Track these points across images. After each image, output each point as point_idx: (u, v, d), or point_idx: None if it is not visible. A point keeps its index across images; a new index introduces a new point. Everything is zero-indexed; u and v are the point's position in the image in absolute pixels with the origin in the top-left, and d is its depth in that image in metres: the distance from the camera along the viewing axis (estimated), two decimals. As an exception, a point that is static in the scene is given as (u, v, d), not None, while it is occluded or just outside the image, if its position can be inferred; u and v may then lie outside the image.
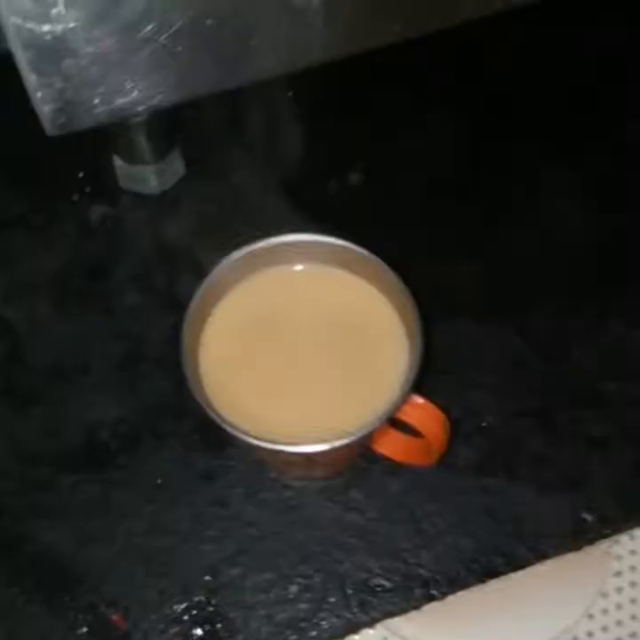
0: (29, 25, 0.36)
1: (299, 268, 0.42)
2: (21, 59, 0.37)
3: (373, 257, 0.40)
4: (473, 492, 0.44)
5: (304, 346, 0.40)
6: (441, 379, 0.45)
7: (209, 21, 0.40)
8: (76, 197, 0.52)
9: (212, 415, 0.37)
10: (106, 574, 0.41)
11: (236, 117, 0.54)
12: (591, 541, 0.43)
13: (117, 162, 0.51)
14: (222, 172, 0.53)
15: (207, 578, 0.41)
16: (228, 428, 0.36)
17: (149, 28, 0.38)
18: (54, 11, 0.36)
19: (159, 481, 0.44)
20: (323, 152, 0.55)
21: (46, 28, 0.36)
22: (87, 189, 0.52)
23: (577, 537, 0.43)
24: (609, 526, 0.43)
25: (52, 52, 0.37)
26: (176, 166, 0.52)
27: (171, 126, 0.50)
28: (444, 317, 0.47)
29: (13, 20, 0.35)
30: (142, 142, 0.48)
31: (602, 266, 0.50)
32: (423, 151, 0.54)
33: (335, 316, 0.40)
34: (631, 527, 0.43)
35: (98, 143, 0.49)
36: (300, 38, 0.42)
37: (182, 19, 0.39)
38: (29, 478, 0.44)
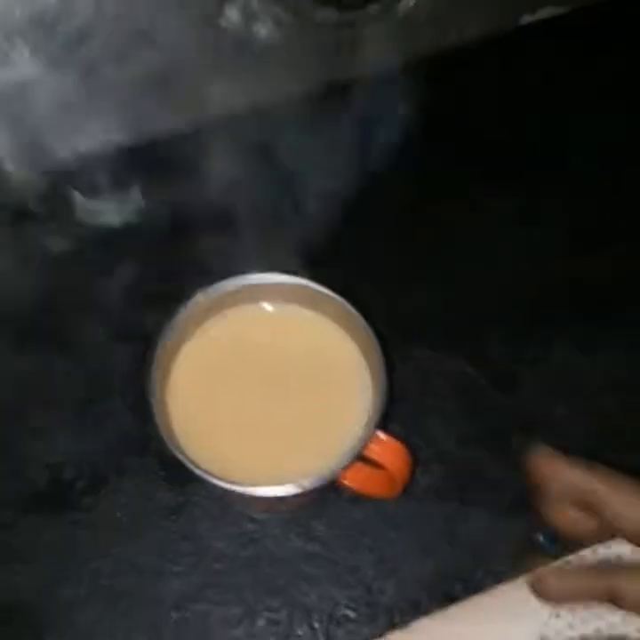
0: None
1: (266, 306, 0.43)
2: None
3: (338, 297, 0.41)
4: (432, 519, 0.45)
5: (271, 384, 0.41)
6: (398, 405, 0.47)
7: (165, 65, 0.41)
8: (34, 229, 0.52)
9: (180, 456, 0.37)
10: (73, 617, 0.42)
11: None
12: (545, 562, 0.45)
13: (76, 195, 0.51)
14: (184, 203, 0.54)
15: (174, 615, 0.42)
16: (196, 471, 0.37)
17: (106, 72, 0.39)
18: (12, 55, 0.36)
19: (124, 519, 0.44)
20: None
21: (7, 72, 0.36)
22: (48, 222, 0.52)
23: (532, 558, 0.45)
24: (561, 547, 0.45)
25: (11, 95, 0.37)
26: (136, 199, 0.52)
27: (129, 160, 0.51)
28: (400, 344, 0.49)
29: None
30: (101, 178, 0.49)
31: (548, 294, 0.52)
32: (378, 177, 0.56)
33: (301, 355, 0.42)
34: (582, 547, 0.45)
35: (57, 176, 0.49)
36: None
37: (139, 64, 0.39)
38: (-8, 520, 0.44)
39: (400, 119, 0.51)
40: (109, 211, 0.50)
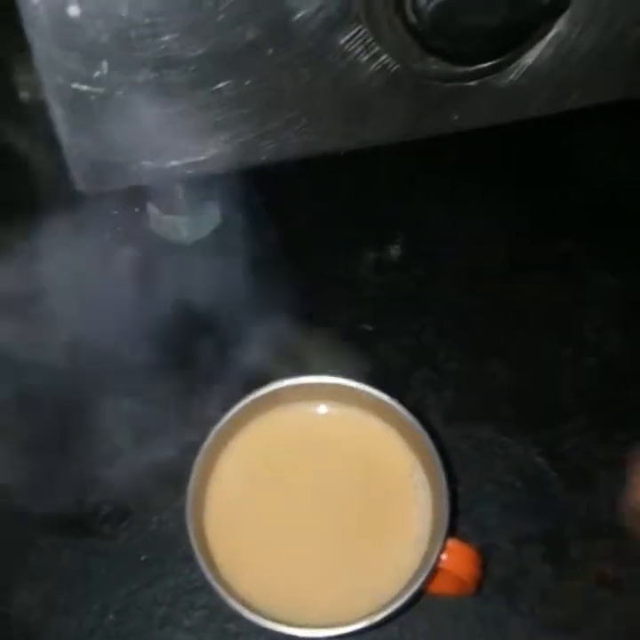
0: (72, 84, 0.34)
1: (320, 408, 0.40)
2: (58, 116, 0.35)
3: (396, 403, 0.38)
4: (468, 619, 0.41)
5: (319, 496, 0.38)
6: (452, 486, 0.43)
7: (260, 95, 0.38)
8: (107, 236, 0.51)
9: (211, 579, 0.35)
10: (74, 651, 0.40)
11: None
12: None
13: (151, 208, 0.49)
14: (259, 228, 0.52)
15: (177, 672, 0.40)
16: (233, 604, 0.34)
17: (193, 97, 0.36)
18: (97, 73, 0.34)
19: (143, 557, 0.42)
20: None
21: (88, 88, 0.34)
22: (119, 229, 0.51)
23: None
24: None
25: (91, 112, 0.35)
26: (211, 217, 0.50)
27: (209, 179, 0.48)
28: (465, 421, 0.45)
29: (54, 77, 0.34)
30: (177, 195, 0.46)
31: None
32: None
33: (355, 462, 0.38)
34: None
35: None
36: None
37: (233, 90, 0.37)
38: (14, 535, 0.42)
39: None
40: (181, 227, 0.48)
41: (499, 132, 0.48)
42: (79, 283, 0.48)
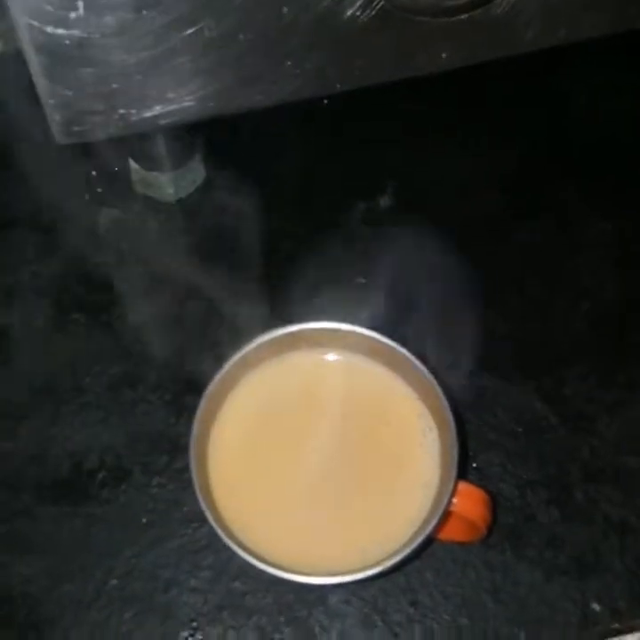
0: (46, 28, 0.32)
1: (327, 355, 0.39)
2: (34, 62, 0.34)
3: (404, 350, 0.38)
4: (476, 567, 0.41)
5: (326, 444, 0.37)
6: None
7: (241, 36, 0.36)
8: (86, 197, 0.49)
9: (216, 527, 0.34)
10: (78, 617, 0.39)
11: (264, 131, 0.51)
12: (598, 635, 0.40)
13: (132, 165, 0.47)
14: (244, 184, 0.50)
15: (184, 634, 0.39)
16: (241, 553, 0.34)
17: (175, 39, 0.35)
18: (73, 14, 0.32)
19: (144, 520, 0.41)
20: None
21: (63, 31, 0.33)
22: (99, 190, 0.49)
23: (583, 629, 0.40)
24: (619, 620, 0.40)
25: (68, 58, 0.34)
26: (195, 174, 0.48)
27: (192, 133, 0.47)
28: (465, 370, 0.44)
29: (27, 21, 0.32)
30: (160, 149, 0.45)
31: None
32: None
33: (361, 410, 0.38)
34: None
35: (113, 143, 0.45)
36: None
37: (214, 30, 0.35)
38: (10, 505, 0.41)
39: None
40: (165, 184, 0.46)
41: (489, 75, 0.47)
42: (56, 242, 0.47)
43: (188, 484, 0.41)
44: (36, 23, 0.32)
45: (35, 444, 0.42)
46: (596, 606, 0.40)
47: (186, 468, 0.41)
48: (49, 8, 0.32)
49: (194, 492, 0.40)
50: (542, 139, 0.53)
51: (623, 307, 0.48)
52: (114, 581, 0.40)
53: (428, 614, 0.40)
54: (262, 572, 0.39)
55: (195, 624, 0.39)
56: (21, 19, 0.32)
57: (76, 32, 0.32)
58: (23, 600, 0.39)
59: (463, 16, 0.38)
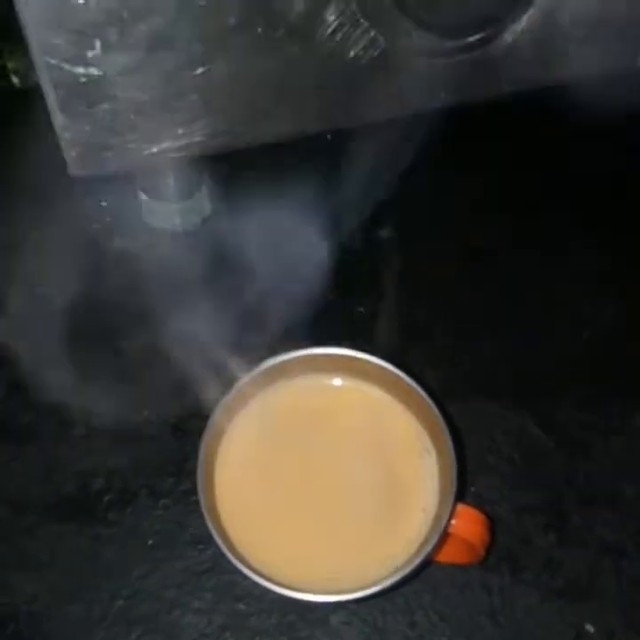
0: (64, 65, 0.34)
1: (330, 380, 0.40)
2: (52, 98, 0.35)
3: (401, 373, 0.39)
4: (474, 589, 0.42)
5: (329, 466, 0.38)
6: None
7: (249, 76, 0.38)
8: (96, 226, 0.51)
9: (221, 544, 0.35)
10: (84, 637, 0.40)
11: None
12: (593, 658, 0.41)
13: (142, 196, 0.49)
14: (251, 213, 0.52)
15: (188, 654, 0.40)
16: (244, 570, 0.35)
17: (186, 78, 0.36)
18: (91, 53, 0.34)
19: (150, 542, 0.42)
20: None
21: (81, 69, 0.34)
22: (108, 219, 0.51)
23: (579, 652, 0.41)
24: (611, 643, 0.41)
25: (85, 94, 0.35)
26: (201, 206, 0.50)
27: (199, 166, 0.48)
28: (463, 395, 0.46)
29: (47, 59, 0.34)
30: (168, 181, 0.47)
31: (633, 360, 0.48)
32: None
33: (363, 434, 0.39)
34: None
35: (123, 175, 0.47)
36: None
37: (223, 70, 0.37)
38: (14, 524, 0.42)
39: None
40: (173, 214, 0.48)
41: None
42: (68, 270, 0.48)
43: (194, 507, 0.42)
44: (54, 61, 0.34)
45: (41, 464, 0.43)
46: (590, 628, 0.41)
47: (191, 491, 0.43)
48: (68, 46, 0.34)
49: (199, 515, 0.42)
50: (541, 167, 0.55)
51: (621, 336, 0.49)
52: (119, 602, 0.40)
53: (425, 635, 0.40)
54: (266, 594, 0.40)
55: (198, 644, 0.40)
56: (41, 57, 0.34)
57: (93, 70, 0.34)
58: (29, 619, 0.40)
59: (462, 56, 0.40)
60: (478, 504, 0.43)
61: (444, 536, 0.35)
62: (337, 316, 0.49)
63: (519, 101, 0.43)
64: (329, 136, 0.53)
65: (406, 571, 0.33)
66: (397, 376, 0.38)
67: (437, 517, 0.35)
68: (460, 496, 0.38)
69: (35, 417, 0.45)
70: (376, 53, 0.38)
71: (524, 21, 0.39)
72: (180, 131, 0.37)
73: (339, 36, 0.37)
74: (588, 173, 0.54)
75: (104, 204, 0.51)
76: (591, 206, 0.53)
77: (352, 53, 0.37)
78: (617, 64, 0.43)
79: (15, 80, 0.47)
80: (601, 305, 0.50)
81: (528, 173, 0.54)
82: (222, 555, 0.41)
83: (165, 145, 0.38)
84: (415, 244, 0.52)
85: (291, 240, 0.49)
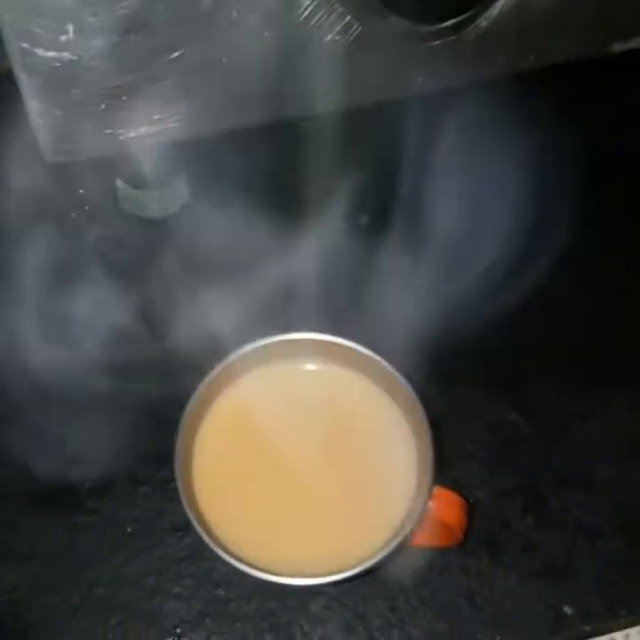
0: (37, 50, 0.34)
1: (306, 365, 0.40)
2: (25, 83, 0.35)
3: (379, 358, 0.39)
4: (453, 573, 0.42)
5: (306, 451, 0.38)
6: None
7: (224, 60, 0.38)
8: (73, 215, 0.50)
9: (198, 528, 0.35)
10: (64, 625, 0.40)
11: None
12: (571, 638, 0.41)
13: (119, 183, 0.49)
14: (228, 200, 0.51)
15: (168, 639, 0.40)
16: (224, 556, 0.35)
17: (160, 62, 0.36)
18: (64, 37, 0.34)
19: (129, 529, 0.42)
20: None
21: (53, 54, 0.34)
22: (86, 207, 0.50)
23: (555, 631, 0.41)
24: (591, 623, 0.41)
25: (58, 79, 0.35)
26: (180, 192, 0.50)
27: (176, 152, 0.48)
28: (442, 383, 0.46)
29: (20, 44, 0.33)
30: (146, 168, 0.46)
31: (608, 346, 0.48)
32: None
33: (340, 418, 0.39)
34: (613, 628, 0.42)
35: (100, 162, 0.47)
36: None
37: (197, 55, 0.37)
38: (-5, 515, 0.42)
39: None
40: (151, 201, 0.48)
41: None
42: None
43: (173, 494, 0.42)
44: (27, 46, 0.34)
45: (21, 451, 0.43)
46: (568, 610, 0.41)
47: (170, 479, 0.42)
48: (40, 31, 0.33)
49: (178, 502, 0.42)
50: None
51: (594, 321, 0.50)
52: (99, 589, 0.40)
53: (406, 619, 0.41)
54: (245, 580, 0.40)
55: (178, 631, 0.40)
56: (14, 42, 0.33)
57: (66, 54, 0.33)
58: (10, 608, 0.40)
59: (437, 42, 0.40)
60: (457, 489, 0.44)
61: (422, 518, 0.35)
62: (318, 303, 0.49)
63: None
64: (305, 122, 0.53)
65: (384, 553, 0.33)
66: (376, 361, 0.39)
67: (415, 500, 0.35)
68: (439, 481, 0.38)
69: (14, 401, 0.44)
70: (351, 38, 0.38)
71: (498, 7, 0.39)
72: (156, 116, 0.37)
73: (314, 20, 0.37)
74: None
75: (81, 191, 0.51)
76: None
77: (328, 37, 0.37)
78: (591, 49, 0.43)
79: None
80: (576, 289, 0.50)
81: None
82: (201, 541, 0.41)
83: (141, 130, 0.38)
84: (392, 235, 0.52)
85: (269, 227, 0.50)
